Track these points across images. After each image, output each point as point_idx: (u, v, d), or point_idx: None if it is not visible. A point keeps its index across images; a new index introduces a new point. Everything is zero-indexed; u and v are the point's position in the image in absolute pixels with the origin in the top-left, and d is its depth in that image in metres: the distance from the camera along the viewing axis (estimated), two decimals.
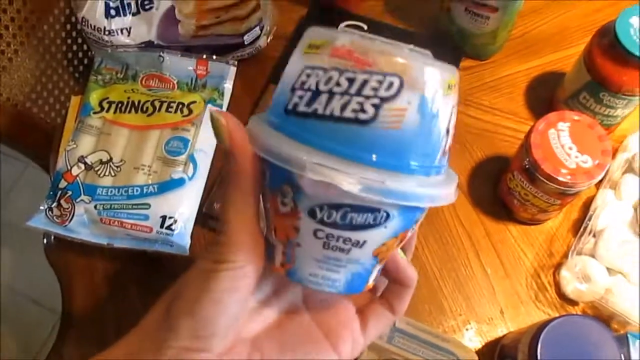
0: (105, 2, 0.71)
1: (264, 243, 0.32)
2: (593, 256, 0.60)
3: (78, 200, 0.62)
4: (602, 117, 0.65)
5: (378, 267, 0.33)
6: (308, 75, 0.29)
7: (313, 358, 0.35)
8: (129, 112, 0.67)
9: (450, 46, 0.74)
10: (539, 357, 0.49)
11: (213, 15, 0.71)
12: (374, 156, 0.28)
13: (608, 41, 0.60)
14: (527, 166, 0.58)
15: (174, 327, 0.31)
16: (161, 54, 0.69)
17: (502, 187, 0.65)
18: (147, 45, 0.71)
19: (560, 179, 0.56)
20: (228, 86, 0.70)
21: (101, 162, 0.64)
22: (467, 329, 0.62)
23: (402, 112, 0.28)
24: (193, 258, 0.58)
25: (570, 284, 0.61)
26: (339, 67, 0.28)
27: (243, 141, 0.30)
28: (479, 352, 0.60)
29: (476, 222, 0.67)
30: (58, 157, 0.66)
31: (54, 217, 0.63)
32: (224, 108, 0.69)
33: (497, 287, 0.64)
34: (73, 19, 0.85)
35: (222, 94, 0.69)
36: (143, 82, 0.69)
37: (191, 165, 0.64)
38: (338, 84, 0.28)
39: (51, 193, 0.64)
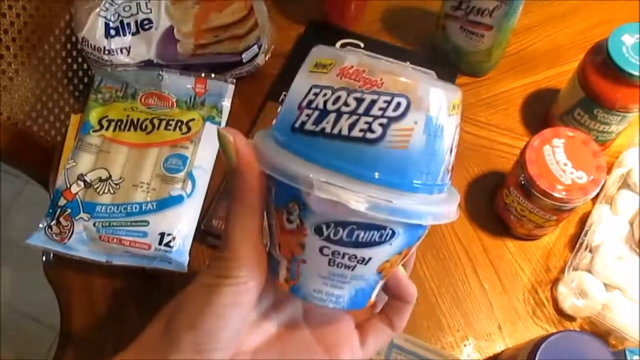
0: (105, 22, 0.72)
1: (268, 259, 0.33)
2: (590, 271, 0.61)
3: (77, 217, 0.63)
4: (597, 133, 0.66)
5: (381, 283, 0.34)
6: (315, 94, 0.29)
7: None
8: (128, 130, 0.67)
9: (446, 64, 0.75)
10: None
11: (211, 35, 0.72)
12: (380, 175, 0.28)
13: (601, 59, 0.60)
14: (522, 182, 0.59)
15: (176, 341, 0.31)
16: (160, 72, 0.70)
17: (499, 202, 0.66)
18: (147, 64, 0.72)
19: (556, 194, 0.56)
20: (226, 104, 0.71)
21: (100, 179, 0.65)
22: (465, 345, 0.62)
23: (409, 132, 0.28)
24: (191, 275, 0.58)
25: (568, 300, 0.61)
26: (347, 87, 0.29)
27: (250, 158, 0.31)
28: None
29: (473, 237, 0.67)
30: (57, 175, 0.66)
31: (53, 235, 0.63)
32: (223, 126, 0.70)
33: (495, 302, 0.64)
34: (73, 39, 0.86)
35: (221, 112, 0.70)
36: (142, 100, 0.70)
37: (190, 183, 0.64)
38: (346, 104, 0.28)
39: (50, 211, 0.64)
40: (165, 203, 0.63)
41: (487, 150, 0.73)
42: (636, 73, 0.58)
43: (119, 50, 0.72)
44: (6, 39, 0.78)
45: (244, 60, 0.74)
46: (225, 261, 0.31)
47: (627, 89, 0.60)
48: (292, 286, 0.32)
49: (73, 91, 0.90)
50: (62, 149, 0.70)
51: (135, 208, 0.63)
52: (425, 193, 0.30)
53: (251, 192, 0.31)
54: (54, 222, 0.63)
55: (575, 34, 0.80)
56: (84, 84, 0.90)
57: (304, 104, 0.30)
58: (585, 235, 0.62)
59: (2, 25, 0.77)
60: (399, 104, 0.28)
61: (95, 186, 0.64)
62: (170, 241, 0.61)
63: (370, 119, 0.28)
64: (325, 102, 0.29)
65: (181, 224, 0.63)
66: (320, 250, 0.30)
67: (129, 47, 0.72)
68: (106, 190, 0.64)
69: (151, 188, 0.64)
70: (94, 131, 0.67)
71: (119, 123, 0.68)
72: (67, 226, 0.63)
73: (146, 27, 0.72)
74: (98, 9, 0.72)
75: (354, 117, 0.28)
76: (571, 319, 0.62)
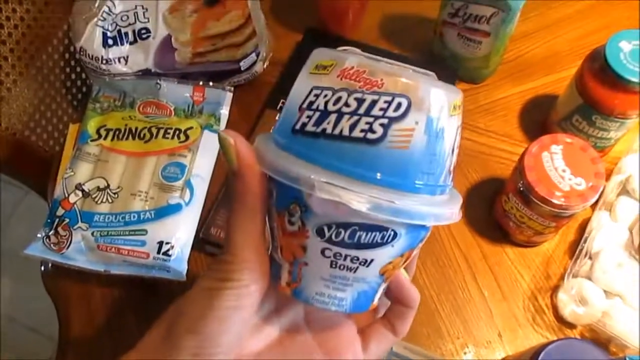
0: (103, 32, 0.72)
1: (269, 262, 0.33)
2: (589, 278, 0.60)
3: (75, 227, 0.63)
4: (596, 139, 0.66)
5: (383, 286, 0.33)
6: (316, 96, 0.29)
7: None
8: (126, 139, 0.67)
9: (444, 70, 0.75)
10: None
11: (209, 43, 0.73)
12: (382, 175, 0.28)
13: (598, 65, 0.60)
14: (521, 189, 0.58)
15: (177, 345, 0.31)
16: (158, 81, 0.70)
17: (498, 209, 0.66)
18: (144, 73, 0.72)
19: (555, 201, 0.56)
20: (224, 112, 0.71)
21: (98, 189, 0.64)
22: (465, 353, 0.61)
23: (409, 133, 0.28)
24: (190, 284, 0.58)
25: (568, 307, 0.61)
26: (348, 87, 0.29)
27: (251, 160, 0.30)
28: None
29: (472, 244, 0.67)
30: (56, 185, 0.66)
31: (51, 245, 0.63)
32: None
33: (495, 309, 0.63)
34: (71, 49, 0.87)
35: (219, 120, 0.70)
36: (140, 109, 0.70)
37: (188, 191, 0.64)
38: (347, 104, 0.28)
39: (49, 221, 0.64)
40: (164, 212, 0.63)
41: (486, 156, 0.72)
42: (634, 79, 0.58)
43: (116, 60, 0.72)
44: (4, 49, 0.78)
45: (242, 68, 0.74)
46: (226, 264, 0.31)
47: (625, 95, 0.60)
48: (294, 289, 0.32)
49: (71, 101, 0.90)
50: (60, 158, 0.70)
51: (134, 217, 0.63)
52: (428, 194, 0.30)
53: (252, 195, 0.31)
54: (52, 232, 0.63)
55: (573, 40, 0.80)
56: (82, 94, 0.90)
57: (305, 105, 0.30)
58: (585, 242, 0.62)
59: (1, 37, 0.77)
60: (399, 104, 0.28)
61: (94, 195, 0.64)
62: (168, 250, 0.61)
63: (371, 120, 0.28)
64: (326, 103, 0.29)
65: (179, 233, 0.62)
66: (322, 252, 0.30)
67: (127, 57, 0.72)
68: (104, 200, 0.64)
69: (149, 197, 0.64)
70: (92, 140, 0.67)
71: (117, 132, 0.68)
72: (65, 236, 0.63)
73: (144, 36, 0.73)
74: (96, 19, 0.72)
75: (355, 118, 0.28)
76: (571, 326, 0.62)
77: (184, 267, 0.62)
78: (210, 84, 0.70)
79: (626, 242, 0.62)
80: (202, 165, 0.66)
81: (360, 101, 0.28)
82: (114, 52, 0.72)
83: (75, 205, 0.64)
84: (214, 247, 0.65)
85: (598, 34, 0.79)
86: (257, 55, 0.74)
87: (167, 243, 0.61)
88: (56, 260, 0.63)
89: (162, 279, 0.62)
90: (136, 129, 0.67)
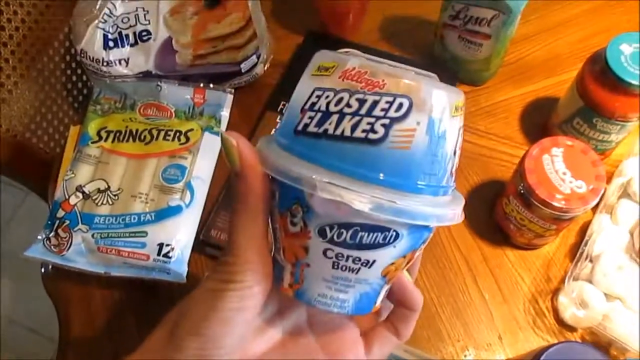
0: (104, 34, 0.72)
1: (272, 265, 0.33)
2: (590, 281, 0.60)
3: (75, 229, 0.63)
4: (597, 142, 0.66)
5: (386, 288, 0.33)
6: (318, 97, 0.29)
7: None
8: (127, 141, 0.67)
9: (444, 72, 0.75)
10: None
11: (210, 45, 0.73)
12: (383, 176, 0.28)
13: (599, 68, 0.60)
14: (522, 191, 0.58)
15: (180, 347, 0.31)
16: (159, 83, 0.70)
17: (498, 211, 0.66)
18: (145, 75, 0.72)
19: (555, 204, 0.56)
20: (225, 114, 0.71)
21: (99, 190, 0.64)
22: (465, 356, 0.61)
23: (411, 133, 0.28)
24: (190, 286, 0.58)
25: (568, 310, 0.60)
26: (350, 88, 0.29)
27: (253, 161, 0.30)
28: None
29: (473, 247, 0.67)
30: (56, 187, 0.66)
31: (52, 247, 0.63)
32: None
33: (495, 312, 0.63)
34: (72, 51, 0.87)
35: (219, 122, 0.70)
36: (141, 111, 0.70)
37: (188, 193, 0.64)
38: (349, 105, 0.29)
39: (49, 222, 0.64)
40: (164, 213, 0.63)
41: (487, 159, 0.72)
42: (635, 82, 0.58)
43: (117, 62, 0.72)
44: (5, 51, 0.78)
45: (242, 70, 0.74)
46: (229, 266, 0.31)
47: (625, 98, 0.59)
48: (296, 290, 0.32)
49: (72, 103, 0.90)
50: (61, 160, 0.70)
51: (134, 219, 0.63)
52: (430, 195, 0.30)
53: (255, 196, 0.31)
54: (52, 233, 0.63)
55: (574, 43, 0.80)
56: (83, 96, 0.90)
57: (307, 106, 0.30)
58: (586, 244, 0.62)
59: (1, 38, 0.78)
60: (401, 105, 0.28)
61: (94, 197, 0.64)
62: (168, 252, 0.61)
63: (372, 120, 0.28)
64: (327, 104, 0.29)
65: (180, 235, 0.62)
66: (324, 252, 0.30)
67: (128, 59, 0.73)
68: (105, 202, 0.64)
69: (150, 199, 0.64)
70: (93, 142, 0.67)
71: (117, 134, 0.68)
72: (65, 238, 0.63)
73: (144, 38, 0.73)
74: (96, 21, 0.72)
75: (357, 118, 0.28)
76: (572, 329, 0.62)
77: (184, 269, 0.62)
78: (211, 86, 0.71)
79: (627, 245, 0.62)
80: (202, 167, 0.66)
81: (361, 102, 0.28)
82: (114, 54, 0.72)
83: (75, 207, 0.64)
84: (214, 249, 0.65)
85: (599, 37, 0.79)
86: (258, 58, 0.74)
87: (167, 245, 0.61)
88: (56, 262, 0.63)
89: (162, 281, 0.62)
90: (137, 130, 0.67)
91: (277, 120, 0.72)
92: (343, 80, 0.29)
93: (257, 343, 0.34)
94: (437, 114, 0.29)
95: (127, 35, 0.73)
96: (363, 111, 0.28)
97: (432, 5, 0.74)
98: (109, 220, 0.63)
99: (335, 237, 0.29)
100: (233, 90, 0.71)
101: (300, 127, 0.30)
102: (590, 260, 0.61)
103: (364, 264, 0.30)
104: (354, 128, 0.28)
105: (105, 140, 0.67)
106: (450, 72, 0.75)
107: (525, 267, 0.66)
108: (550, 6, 0.83)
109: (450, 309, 0.64)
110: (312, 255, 0.31)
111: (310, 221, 0.30)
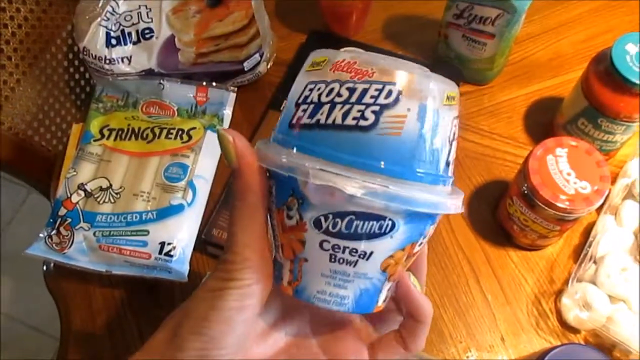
0: (107, 32, 0.72)
1: (273, 266, 0.32)
2: (594, 283, 0.60)
3: (77, 227, 0.62)
4: (601, 142, 0.65)
5: (388, 286, 0.33)
6: (310, 90, 0.30)
7: None
8: (129, 139, 0.67)
9: (448, 71, 0.75)
10: None
11: (212, 43, 0.72)
12: (377, 163, 0.28)
13: (604, 68, 0.60)
14: (525, 192, 0.58)
15: (182, 347, 0.31)
16: (161, 81, 0.69)
17: (502, 212, 0.65)
18: (148, 73, 0.72)
19: (559, 205, 0.56)
20: (228, 112, 0.71)
21: (101, 189, 0.64)
22: (467, 357, 0.61)
23: (402, 119, 0.29)
24: (191, 285, 0.58)
25: (572, 312, 0.60)
26: (340, 79, 0.29)
27: (250, 158, 0.31)
28: None
29: (476, 247, 0.67)
30: (58, 185, 0.66)
31: (53, 245, 0.63)
32: None
33: (498, 313, 0.63)
34: (75, 49, 0.87)
35: (222, 120, 0.70)
36: (143, 109, 0.70)
37: (190, 192, 0.64)
38: (339, 94, 0.29)
39: (51, 220, 0.64)
40: (166, 212, 0.63)
41: (490, 159, 0.72)
42: None
43: (120, 60, 0.72)
44: (8, 49, 0.78)
45: (245, 69, 0.74)
46: (229, 264, 0.31)
47: (631, 98, 0.59)
48: (296, 287, 0.32)
49: (74, 101, 0.90)
50: (63, 158, 0.70)
51: (136, 217, 0.63)
52: (425, 182, 0.30)
53: (252, 192, 0.31)
54: (54, 231, 0.63)
55: (578, 42, 0.80)
56: (86, 94, 0.90)
57: (300, 100, 0.30)
58: (590, 246, 0.61)
59: (4, 36, 0.77)
60: (390, 92, 0.29)
61: (96, 195, 0.64)
62: (170, 250, 0.61)
63: (362, 107, 0.28)
64: (319, 96, 0.29)
65: (181, 233, 0.62)
66: (321, 245, 0.30)
67: (130, 57, 0.72)
68: (106, 200, 0.64)
69: (151, 197, 0.64)
70: (95, 140, 0.67)
71: (119, 132, 0.67)
72: (67, 236, 0.63)
73: (147, 36, 0.73)
74: (99, 19, 0.72)
75: (347, 107, 0.29)
76: (575, 331, 0.61)
77: (185, 268, 0.61)
78: (214, 84, 0.70)
79: (631, 246, 0.61)
80: (204, 166, 0.66)
81: (351, 90, 0.29)
82: (117, 52, 0.72)
83: (77, 205, 0.64)
84: (216, 248, 0.65)
85: (603, 37, 0.79)
86: (261, 56, 0.74)
87: (169, 244, 0.61)
88: (58, 260, 0.63)
89: (164, 280, 0.62)
90: (139, 129, 0.67)
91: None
92: (334, 71, 0.30)
93: (260, 348, 0.34)
94: (427, 101, 0.29)
95: (129, 33, 0.73)
96: (353, 99, 0.29)
97: (435, 4, 0.74)
98: (110, 218, 0.63)
99: (330, 228, 0.29)
100: (236, 89, 0.71)
101: (294, 121, 0.30)
102: (594, 262, 0.61)
103: (362, 256, 0.30)
104: (345, 116, 0.29)
105: (108, 138, 0.67)
106: (454, 70, 0.75)
107: (529, 268, 0.65)
108: (554, 6, 0.83)
109: (452, 310, 0.63)
110: (309, 249, 0.30)
111: (306, 213, 0.30)
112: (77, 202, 0.64)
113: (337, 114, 0.29)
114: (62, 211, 0.63)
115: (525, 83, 0.77)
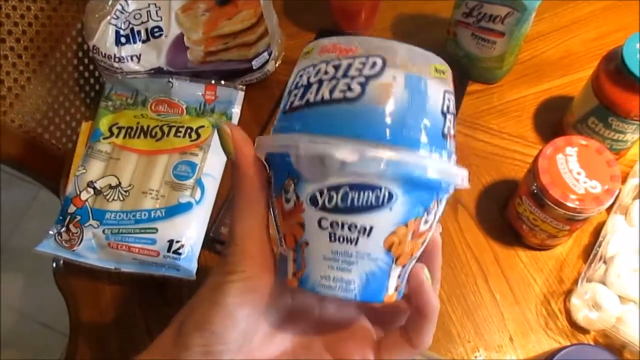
0: (116, 30, 0.72)
1: (277, 262, 0.33)
2: (604, 283, 0.59)
3: (86, 225, 0.63)
4: (612, 141, 0.65)
5: (396, 271, 0.31)
6: (300, 76, 0.31)
7: None
8: (138, 137, 0.67)
9: (457, 70, 0.74)
10: None
11: (221, 42, 0.72)
12: (366, 131, 0.29)
13: (615, 66, 0.59)
14: (535, 191, 0.58)
15: (186, 345, 0.31)
16: (170, 79, 0.70)
17: (511, 211, 0.65)
18: (157, 72, 0.73)
19: (569, 204, 0.55)
20: (236, 111, 0.71)
21: (110, 186, 0.65)
22: (475, 357, 0.61)
23: (388, 87, 0.29)
24: (200, 283, 0.58)
25: (581, 312, 0.60)
26: (326, 59, 0.30)
27: (247, 148, 0.31)
28: None
29: (485, 247, 0.66)
30: (68, 183, 0.67)
31: (63, 242, 0.63)
32: None
33: (507, 313, 0.63)
34: (84, 47, 0.87)
35: (230, 119, 0.70)
36: (152, 107, 0.70)
37: (199, 190, 0.64)
38: (326, 73, 0.30)
39: (60, 218, 0.64)
40: (174, 210, 0.63)
41: (499, 158, 0.72)
42: None
43: (129, 58, 0.72)
44: (18, 47, 0.79)
45: (254, 67, 0.74)
46: (230, 256, 0.31)
47: None
48: (300, 277, 0.31)
49: (84, 99, 0.90)
50: (72, 156, 0.70)
51: (144, 215, 0.63)
52: (416, 148, 0.29)
53: (249, 183, 0.31)
54: (63, 229, 0.63)
55: (588, 41, 0.79)
56: (95, 92, 0.91)
57: (292, 87, 0.31)
58: (600, 246, 0.61)
59: (15, 34, 0.78)
60: (374, 63, 0.29)
61: (105, 193, 0.64)
62: (178, 248, 0.61)
63: (348, 80, 0.29)
64: (308, 78, 0.30)
65: (190, 231, 0.62)
66: (319, 223, 0.30)
67: (139, 55, 0.73)
68: (115, 197, 0.64)
69: (160, 195, 0.64)
70: (104, 138, 0.68)
71: (129, 130, 0.68)
72: (76, 233, 0.63)
73: (156, 34, 0.73)
74: (109, 17, 0.72)
75: (334, 82, 0.29)
76: (585, 331, 0.61)
77: (193, 266, 0.62)
78: (222, 82, 0.70)
79: None
80: (213, 164, 0.66)
81: (337, 67, 0.30)
82: (126, 51, 0.72)
83: (86, 203, 0.64)
84: (224, 246, 0.65)
85: (614, 35, 0.78)
86: (269, 55, 0.74)
87: (177, 242, 0.61)
88: (67, 258, 0.63)
89: (172, 277, 0.62)
90: (148, 127, 0.67)
91: None
92: (320, 54, 0.30)
93: (266, 349, 0.34)
94: (414, 70, 0.30)
95: (138, 32, 0.73)
96: (339, 74, 0.29)
97: (445, 2, 0.73)
98: (119, 216, 0.63)
99: (326, 203, 0.29)
100: (244, 87, 0.71)
101: (287, 107, 0.31)
102: (604, 262, 0.61)
103: (361, 232, 0.29)
104: (332, 91, 0.29)
105: (117, 136, 0.68)
106: (462, 69, 0.75)
107: (538, 267, 0.65)
108: (565, 4, 0.82)
109: (461, 309, 0.63)
110: (309, 230, 0.30)
111: (302, 192, 0.30)
112: (87, 200, 0.64)
113: (325, 90, 0.29)
114: (72, 209, 0.64)
115: (535, 82, 0.77)
